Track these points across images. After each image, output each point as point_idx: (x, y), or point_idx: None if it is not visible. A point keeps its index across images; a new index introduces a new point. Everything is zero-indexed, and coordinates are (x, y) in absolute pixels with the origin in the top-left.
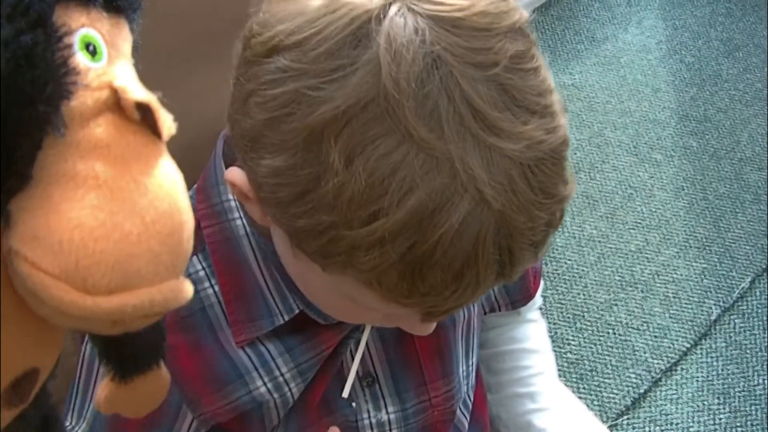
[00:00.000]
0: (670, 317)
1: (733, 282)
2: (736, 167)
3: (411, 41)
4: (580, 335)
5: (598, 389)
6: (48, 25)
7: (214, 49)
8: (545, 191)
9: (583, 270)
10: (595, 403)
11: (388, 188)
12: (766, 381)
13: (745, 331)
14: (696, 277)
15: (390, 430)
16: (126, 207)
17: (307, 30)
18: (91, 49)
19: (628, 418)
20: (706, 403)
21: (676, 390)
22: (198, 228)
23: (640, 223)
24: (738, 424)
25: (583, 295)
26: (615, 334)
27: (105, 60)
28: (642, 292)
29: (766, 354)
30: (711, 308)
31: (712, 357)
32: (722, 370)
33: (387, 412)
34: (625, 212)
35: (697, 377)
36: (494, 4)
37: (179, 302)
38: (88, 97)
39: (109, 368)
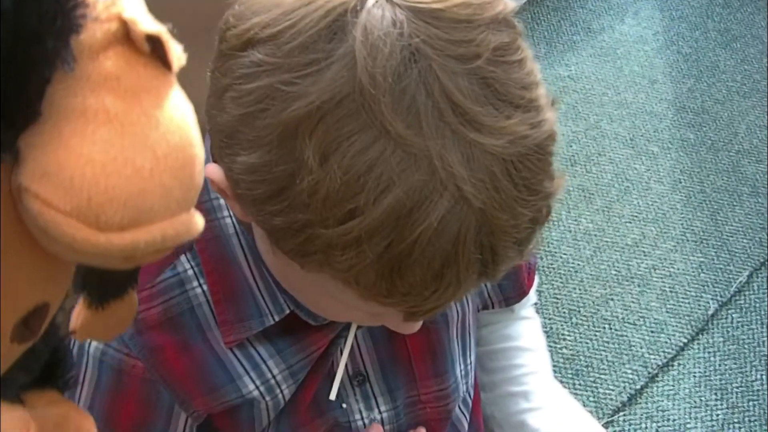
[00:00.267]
0: (667, 312)
1: (730, 276)
2: (733, 159)
3: (388, 34)
4: (575, 330)
5: (594, 385)
6: None
7: (208, 43)
8: (529, 188)
9: (578, 264)
10: (591, 399)
11: (364, 186)
12: (763, 376)
13: (742, 326)
14: (693, 271)
15: (383, 429)
16: (137, 141)
17: (282, 23)
18: None
19: (624, 415)
20: (703, 398)
21: (673, 386)
22: None
23: (636, 216)
24: (735, 420)
25: (579, 289)
26: (611, 329)
27: None
28: (638, 286)
29: (763, 349)
30: (708, 303)
31: (709, 352)
32: (720, 365)
33: (380, 411)
34: (622, 205)
35: (695, 373)
36: None
37: (191, 235)
38: (98, 29)
39: (87, 295)
